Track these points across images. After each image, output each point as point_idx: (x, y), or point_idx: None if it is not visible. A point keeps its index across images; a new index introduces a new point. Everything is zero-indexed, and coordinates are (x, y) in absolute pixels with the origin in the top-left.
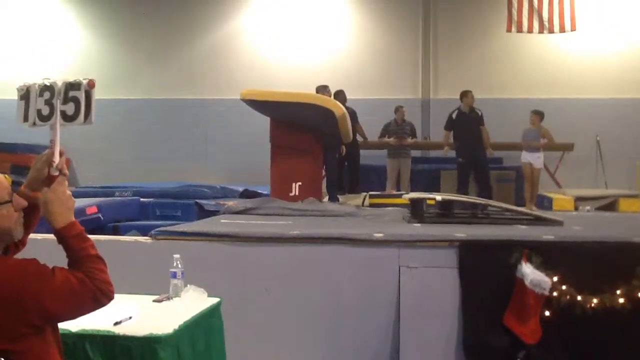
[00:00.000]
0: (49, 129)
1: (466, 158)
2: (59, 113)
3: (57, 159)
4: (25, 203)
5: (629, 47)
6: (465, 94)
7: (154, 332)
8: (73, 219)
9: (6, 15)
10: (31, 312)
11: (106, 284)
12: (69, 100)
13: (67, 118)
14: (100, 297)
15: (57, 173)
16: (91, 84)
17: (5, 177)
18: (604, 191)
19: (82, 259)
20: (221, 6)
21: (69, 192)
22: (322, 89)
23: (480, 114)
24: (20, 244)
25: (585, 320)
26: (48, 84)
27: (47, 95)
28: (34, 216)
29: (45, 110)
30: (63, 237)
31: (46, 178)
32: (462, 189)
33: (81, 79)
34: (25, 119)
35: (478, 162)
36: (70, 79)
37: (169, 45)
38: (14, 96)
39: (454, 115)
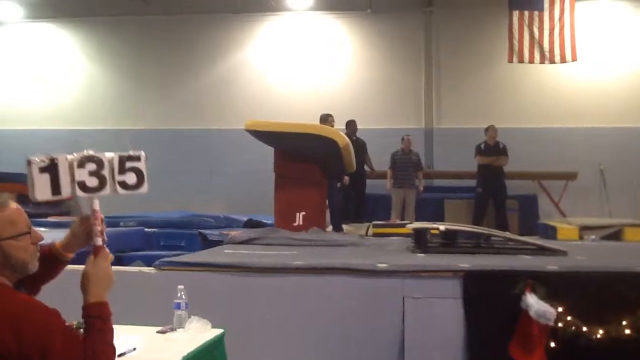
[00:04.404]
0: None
1: (485, 188)
2: (117, 183)
3: (98, 228)
4: (42, 237)
5: (631, 76)
6: (487, 129)
7: None
8: (104, 299)
9: (12, 48)
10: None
11: None
12: (128, 171)
13: (129, 187)
14: None
15: (99, 243)
16: (145, 156)
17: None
18: (609, 220)
19: (96, 339)
20: (226, 38)
21: (110, 272)
22: (325, 118)
23: (501, 146)
24: (35, 289)
25: (591, 352)
26: (94, 156)
27: (91, 166)
28: (54, 269)
29: (92, 182)
30: (88, 314)
31: (88, 243)
32: (479, 219)
33: (138, 152)
34: (56, 192)
35: (497, 193)
36: (120, 153)
37: (173, 76)
38: (18, 126)
39: (482, 146)
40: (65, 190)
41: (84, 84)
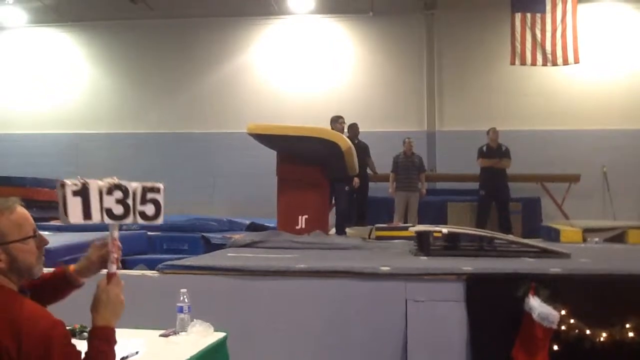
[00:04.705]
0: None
1: (488, 191)
2: (138, 213)
3: (115, 255)
4: (47, 241)
5: (634, 78)
6: (489, 131)
7: None
8: (113, 325)
9: (16, 52)
10: None
11: None
12: (148, 202)
13: (147, 217)
14: None
15: (114, 270)
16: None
17: None
18: (612, 223)
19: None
20: (229, 41)
21: (122, 298)
22: (335, 120)
23: (504, 149)
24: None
25: (595, 354)
26: (122, 185)
27: (118, 194)
28: (64, 292)
29: (118, 210)
30: (93, 335)
31: (102, 266)
32: (481, 221)
33: (158, 184)
34: (87, 216)
35: (500, 195)
36: (145, 183)
37: (176, 79)
38: (21, 130)
39: (484, 149)
40: (96, 215)
41: (87, 88)
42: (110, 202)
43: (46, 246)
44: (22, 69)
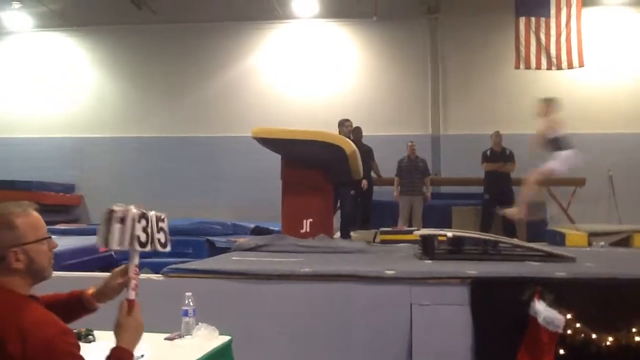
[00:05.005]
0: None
1: (492, 195)
2: (157, 241)
3: (135, 282)
4: (57, 244)
5: (639, 82)
6: (492, 135)
7: None
8: (132, 348)
9: (23, 57)
10: None
11: None
12: (160, 230)
13: (162, 245)
14: None
15: (133, 297)
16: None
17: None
18: (618, 226)
19: None
20: (233, 46)
21: (141, 321)
22: (342, 123)
23: (508, 152)
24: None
25: (601, 359)
26: (145, 213)
27: (143, 223)
28: (76, 315)
29: (143, 237)
30: (112, 353)
31: (120, 291)
32: (486, 225)
33: (164, 214)
34: (122, 243)
35: (504, 199)
36: (159, 212)
37: (180, 84)
38: (26, 134)
39: (488, 153)
40: (125, 242)
41: (91, 92)
42: (139, 229)
43: (54, 249)
44: (27, 73)
